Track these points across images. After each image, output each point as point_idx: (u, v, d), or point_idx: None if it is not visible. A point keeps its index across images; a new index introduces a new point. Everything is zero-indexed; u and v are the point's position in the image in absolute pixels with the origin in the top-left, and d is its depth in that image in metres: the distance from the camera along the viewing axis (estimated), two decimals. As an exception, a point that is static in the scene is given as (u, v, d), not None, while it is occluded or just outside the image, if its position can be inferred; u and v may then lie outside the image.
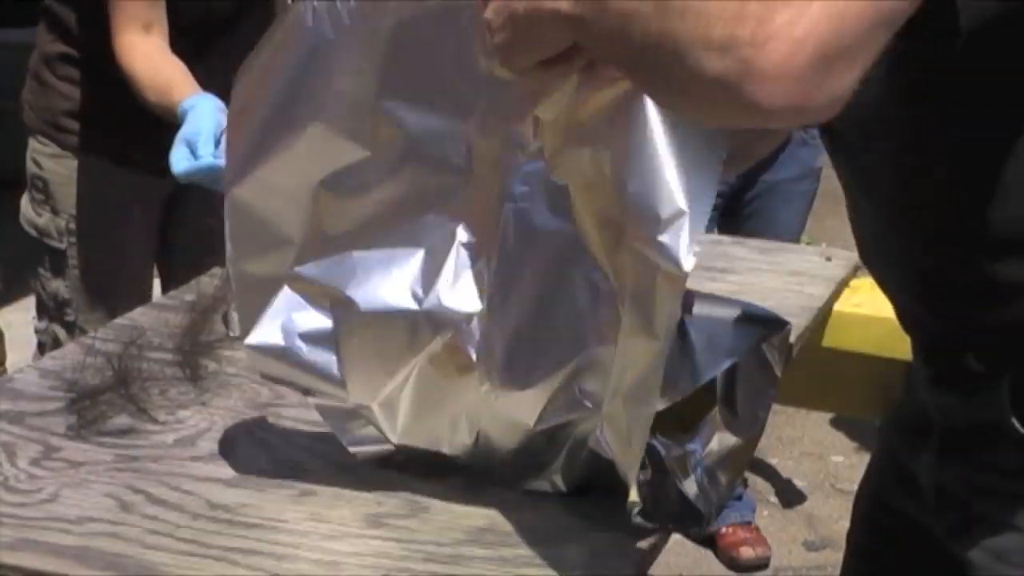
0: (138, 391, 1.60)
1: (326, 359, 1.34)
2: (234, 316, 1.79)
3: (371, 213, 1.32)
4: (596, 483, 1.34)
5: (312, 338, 1.34)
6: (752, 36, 0.96)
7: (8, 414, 1.55)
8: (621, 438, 1.25)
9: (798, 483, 3.61)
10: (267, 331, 1.34)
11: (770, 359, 1.37)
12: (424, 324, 1.31)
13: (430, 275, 1.32)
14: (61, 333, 2.52)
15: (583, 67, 1.18)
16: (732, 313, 1.38)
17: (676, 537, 3.22)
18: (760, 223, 3.20)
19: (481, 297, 1.31)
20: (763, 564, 3.23)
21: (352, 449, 1.39)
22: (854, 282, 2.05)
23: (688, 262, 1.12)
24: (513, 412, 1.32)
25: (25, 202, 2.53)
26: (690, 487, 1.31)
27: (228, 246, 1.35)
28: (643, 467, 1.24)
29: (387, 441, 1.37)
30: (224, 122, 2.08)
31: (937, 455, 1.29)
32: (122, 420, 1.54)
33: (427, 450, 1.38)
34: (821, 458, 3.73)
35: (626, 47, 1.07)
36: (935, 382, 1.31)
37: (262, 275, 1.35)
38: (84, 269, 2.50)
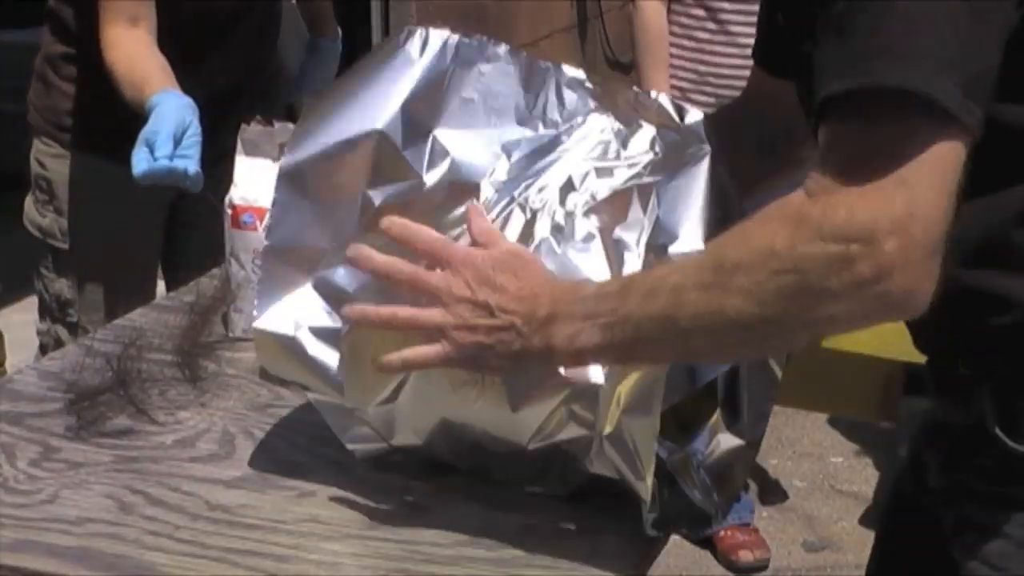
0: (137, 392, 1.59)
1: (329, 357, 1.33)
2: (234, 317, 1.79)
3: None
4: (595, 486, 1.34)
5: (321, 334, 1.33)
6: (874, 274, 1.03)
7: (8, 415, 1.55)
8: (626, 453, 1.24)
9: (797, 484, 3.61)
10: (279, 319, 1.33)
11: (770, 362, 1.37)
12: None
13: None
14: (63, 334, 2.52)
15: None
16: None
17: (675, 538, 3.22)
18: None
19: None
20: (762, 567, 3.23)
21: (350, 446, 1.39)
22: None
23: None
24: (506, 430, 1.31)
25: (29, 203, 2.53)
26: (693, 489, 1.31)
27: (269, 220, 1.35)
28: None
29: (383, 440, 1.37)
30: (189, 119, 2.07)
31: (943, 457, 1.30)
32: (121, 421, 1.54)
33: (424, 452, 1.38)
34: (820, 459, 3.73)
35: (717, 349, 1.15)
36: (934, 385, 1.31)
37: (290, 267, 1.34)
38: (87, 269, 2.50)
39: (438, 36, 1.37)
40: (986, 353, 1.24)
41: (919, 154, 1.03)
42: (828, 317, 1.07)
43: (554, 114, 1.37)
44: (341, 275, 1.32)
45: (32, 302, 2.61)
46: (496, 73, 1.37)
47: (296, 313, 1.33)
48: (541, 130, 1.36)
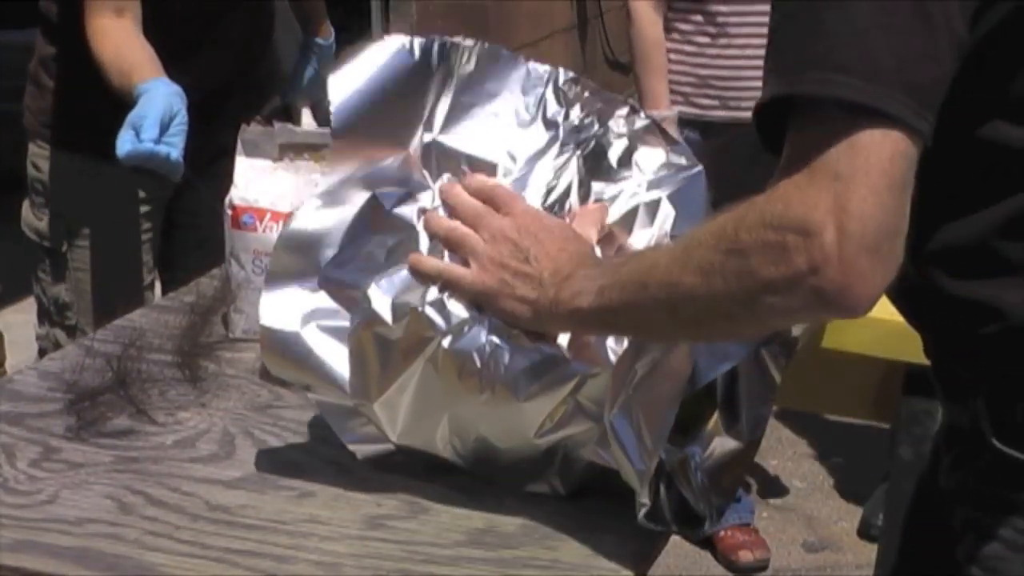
0: (137, 392, 1.59)
1: (334, 356, 1.33)
2: (234, 317, 1.79)
3: (410, 233, 1.35)
4: (595, 486, 1.34)
5: (328, 331, 1.33)
6: (809, 266, 1.05)
7: (8, 415, 1.55)
8: (631, 438, 1.25)
9: (797, 484, 3.61)
10: (285, 316, 1.34)
11: (769, 363, 1.37)
12: (427, 324, 1.31)
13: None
14: (62, 337, 2.52)
15: None
16: None
17: (675, 538, 3.21)
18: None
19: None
20: (762, 567, 3.23)
21: (351, 447, 1.39)
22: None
23: None
24: (513, 422, 1.32)
25: (26, 207, 2.53)
26: (690, 491, 1.31)
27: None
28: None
29: (387, 440, 1.37)
30: (177, 107, 2.07)
31: (951, 459, 1.30)
32: (121, 421, 1.54)
33: (426, 451, 1.38)
34: (820, 459, 3.73)
35: (675, 326, 1.19)
36: (940, 389, 1.32)
37: (300, 266, 1.34)
38: (84, 272, 2.50)
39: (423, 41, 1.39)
40: (979, 360, 1.25)
41: (855, 153, 1.05)
42: (768, 306, 1.09)
43: (556, 117, 1.42)
44: (351, 272, 1.33)
45: (32, 303, 2.61)
46: (491, 76, 1.40)
47: (302, 310, 1.34)
48: (542, 132, 1.40)
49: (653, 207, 1.37)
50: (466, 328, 1.30)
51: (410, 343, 1.32)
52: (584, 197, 1.39)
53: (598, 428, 1.29)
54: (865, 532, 3.32)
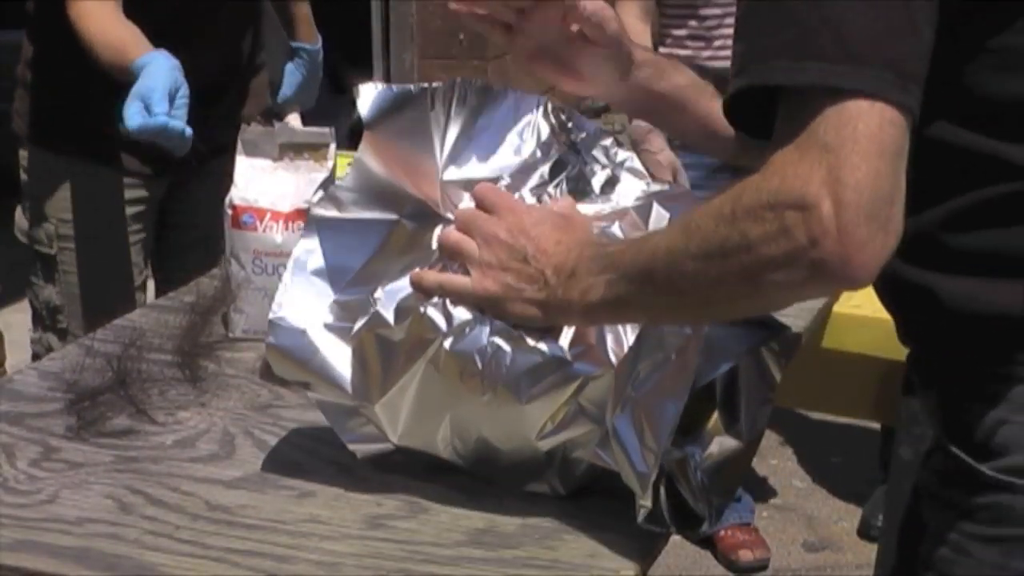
0: (137, 392, 1.60)
1: (339, 354, 1.34)
2: (234, 317, 1.79)
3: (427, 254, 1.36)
4: (595, 486, 1.34)
5: (334, 330, 1.34)
6: (808, 239, 1.05)
7: (8, 415, 1.55)
8: (631, 443, 1.25)
9: (797, 484, 3.61)
10: (297, 311, 1.35)
11: (770, 363, 1.37)
12: (428, 325, 1.31)
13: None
14: (55, 341, 2.51)
15: None
16: None
17: (676, 538, 3.21)
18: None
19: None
20: (762, 566, 3.23)
21: (351, 447, 1.39)
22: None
23: None
24: (514, 423, 1.32)
25: (19, 211, 2.52)
26: (689, 491, 1.31)
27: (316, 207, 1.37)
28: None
29: (387, 440, 1.37)
30: (180, 81, 2.07)
31: (922, 456, 1.32)
32: (121, 421, 1.54)
33: (427, 452, 1.38)
34: (820, 459, 3.73)
35: (684, 310, 1.20)
36: (910, 386, 1.34)
37: (315, 289, 1.36)
38: (73, 274, 2.49)
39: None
40: (930, 351, 1.27)
41: (842, 123, 1.05)
42: (772, 283, 1.09)
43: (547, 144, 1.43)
44: (352, 294, 1.34)
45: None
46: (483, 111, 1.42)
47: (314, 310, 1.35)
48: (535, 159, 1.42)
49: (645, 211, 1.37)
50: (468, 329, 1.30)
51: (412, 344, 1.32)
52: None
53: (599, 430, 1.29)
54: (865, 532, 3.32)
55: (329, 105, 6.35)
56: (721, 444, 1.36)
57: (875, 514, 3.26)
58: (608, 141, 1.45)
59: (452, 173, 1.38)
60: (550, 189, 1.39)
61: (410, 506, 1.35)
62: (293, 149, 1.81)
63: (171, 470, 1.43)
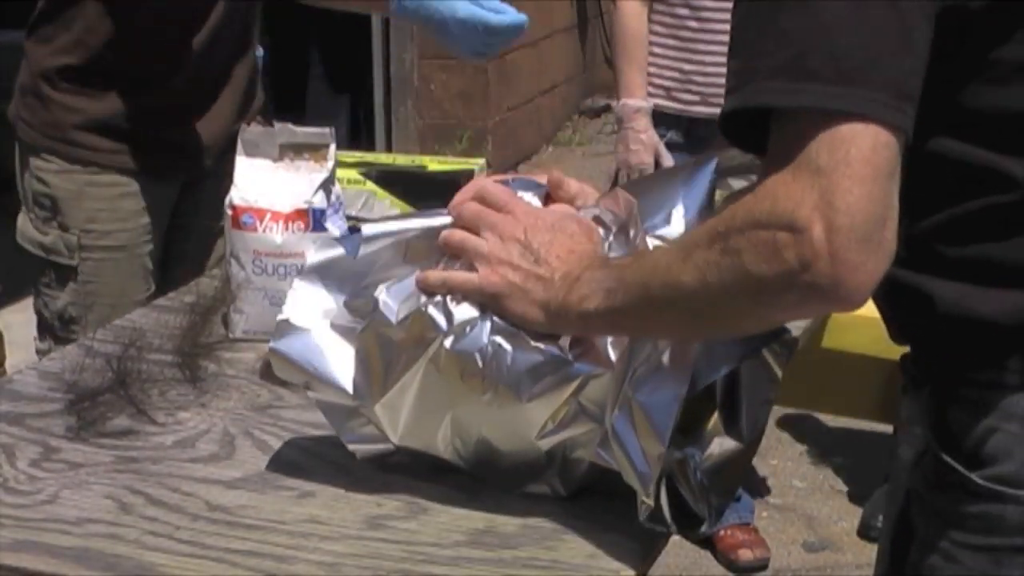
0: (137, 392, 1.60)
1: (341, 354, 1.34)
2: (234, 317, 1.79)
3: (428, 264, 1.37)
4: (595, 486, 1.34)
5: (338, 330, 1.35)
6: (800, 263, 1.06)
7: (8, 415, 1.55)
8: (631, 443, 1.25)
9: (797, 484, 3.62)
10: (300, 314, 1.36)
11: (771, 363, 1.37)
12: (429, 324, 1.31)
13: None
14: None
15: None
16: None
17: (675, 538, 3.20)
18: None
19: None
20: (762, 566, 3.23)
21: (351, 447, 1.39)
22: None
23: None
24: (515, 423, 1.32)
25: (25, 220, 2.50)
26: (688, 491, 1.31)
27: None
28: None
29: (387, 440, 1.37)
30: None
31: (913, 458, 1.32)
32: (121, 421, 1.54)
33: (427, 452, 1.38)
34: (820, 459, 3.73)
35: (679, 326, 1.20)
36: (905, 382, 1.34)
37: (325, 284, 1.37)
38: (94, 283, 2.48)
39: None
40: (920, 353, 1.27)
41: (835, 146, 1.05)
42: (764, 304, 1.10)
43: None
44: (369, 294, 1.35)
45: (32, 303, 2.61)
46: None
47: (318, 313, 1.36)
48: None
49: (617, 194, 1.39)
50: (468, 329, 1.30)
51: (413, 344, 1.32)
52: None
53: (600, 430, 1.29)
54: (865, 532, 3.32)
55: (329, 105, 6.37)
56: (721, 445, 1.36)
57: (875, 514, 3.26)
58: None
59: None
60: None
61: (410, 506, 1.35)
62: (293, 149, 1.80)
63: (171, 470, 1.43)
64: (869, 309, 2.01)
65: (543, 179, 1.40)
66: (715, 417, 1.36)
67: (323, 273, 1.37)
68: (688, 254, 1.14)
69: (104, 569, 1.24)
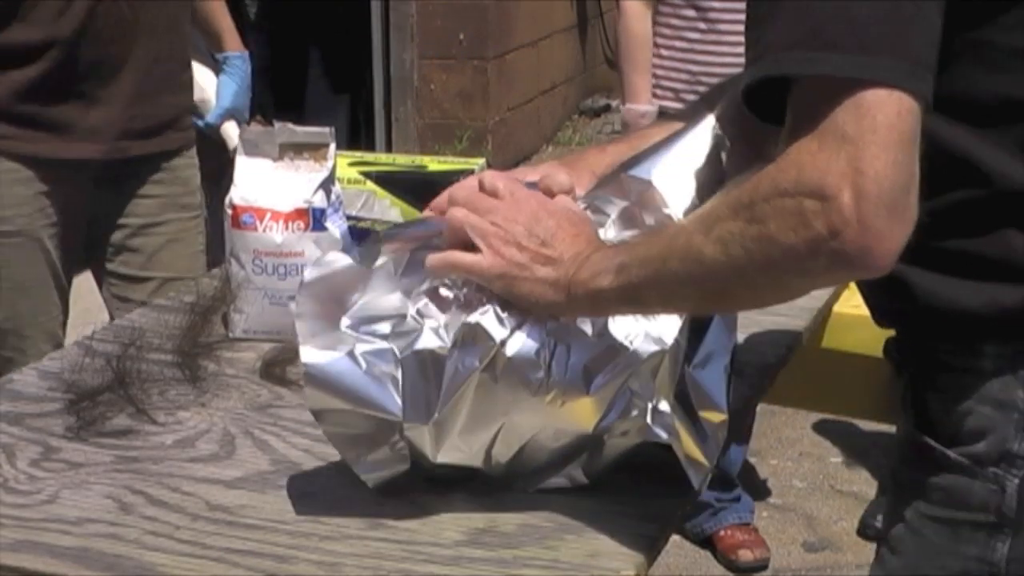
0: (137, 392, 1.60)
1: (380, 378, 1.29)
2: (234, 317, 1.79)
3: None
4: (596, 486, 1.34)
5: (374, 354, 1.29)
6: (829, 230, 1.06)
7: (8, 415, 1.55)
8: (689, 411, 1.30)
9: (797, 484, 3.61)
10: (325, 351, 1.29)
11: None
12: (483, 335, 1.29)
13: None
14: None
15: None
16: None
17: (675, 538, 3.22)
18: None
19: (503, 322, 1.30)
20: (762, 566, 3.23)
21: (364, 476, 1.34)
22: (853, 283, 2.05)
23: None
24: (576, 417, 1.32)
25: None
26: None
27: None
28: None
29: (400, 463, 1.33)
30: None
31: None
32: (121, 421, 1.54)
33: (460, 465, 1.35)
34: (820, 459, 3.73)
35: (699, 299, 1.21)
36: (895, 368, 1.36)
37: (325, 303, 1.33)
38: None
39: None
40: (900, 339, 1.29)
41: (861, 113, 1.06)
42: (790, 272, 1.11)
43: None
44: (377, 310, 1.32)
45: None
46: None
47: (341, 342, 1.30)
48: None
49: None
50: (523, 332, 1.29)
51: (463, 357, 1.29)
52: None
53: (649, 410, 1.30)
54: (865, 532, 3.32)
55: (329, 105, 6.37)
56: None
57: (875, 514, 3.25)
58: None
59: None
60: None
61: (410, 506, 1.34)
62: (293, 149, 1.81)
63: (171, 470, 1.43)
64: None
65: (534, 177, 1.39)
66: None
67: (323, 290, 1.33)
68: (709, 227, 1.14)
69: (104, 569, 1.24)
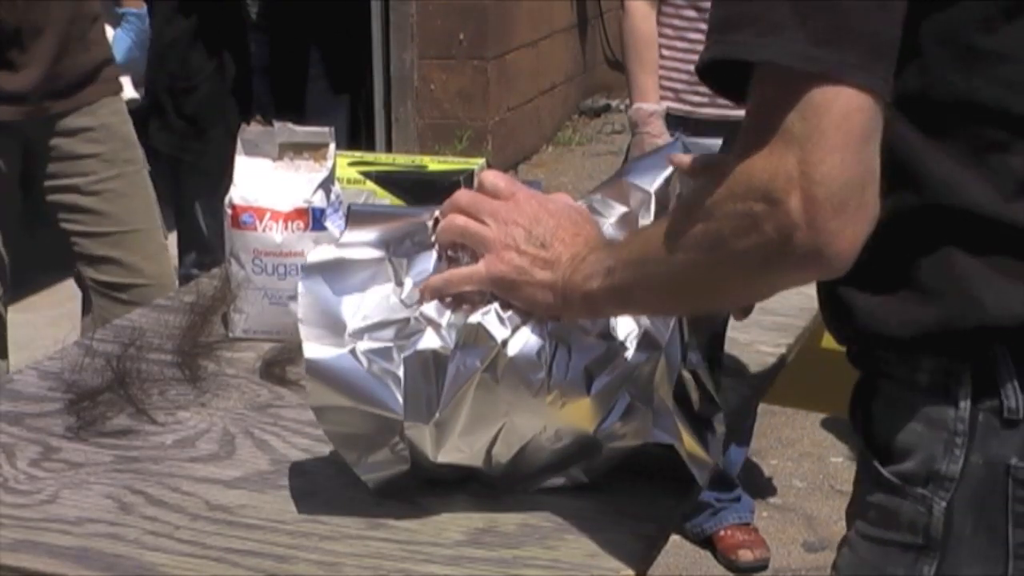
0: (137, 392, 1.60)
1: (381, 376, 1.29)
2: (234, 317, 1.79)
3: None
4: (596, 486, 1.34)
5: (376, 352, 1.29)
6: (779, 234, 1.05)
7: (8, 415, 1.55)
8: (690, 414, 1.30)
9: (797, 484, 3.61)
10: (328, 347, 1.30)
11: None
12: (485, 335, 1.29)
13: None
14: None
15: None
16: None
17: (675, 538, 3.22)
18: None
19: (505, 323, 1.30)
20: (762, 566, 3.23)
21: (364, 477, 1.34)
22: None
23: None
24: (576, 418, 1.32)
25: None
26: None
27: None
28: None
29: (400, 464, 1.33)
30: None
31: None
32: (121, 421, 1.54)
33: (461, 465, 1.36)
34: (820, 459, 3.73)
35: (675, 300, 1.22)
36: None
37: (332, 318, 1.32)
38: None
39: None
40: (849, 349, 1.27)
41: (809, 114, 1.04)
42: (749, 275, 1.10)
43: None
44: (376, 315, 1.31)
45: (31, 302, 2.61)
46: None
47: (343, 337, 1.30)
48: None
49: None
50: (525, 332, 1.29)
51: (466, 357, 1.29)
52: None
53: (649, 412, 1.31)
54: (865, 532, 3.32)
55: (329, 105, 6.36)
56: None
57: (875, 514, 3.25)
58: None
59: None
60: None
61: (410, 506, 1.34)
62: (293, 149, 1.81)
63: (171, 470, 1.43)
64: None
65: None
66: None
67: (324, 287, 1.32)
68: (675, 229, 1.14)
69: (104, 569, 1.24)
